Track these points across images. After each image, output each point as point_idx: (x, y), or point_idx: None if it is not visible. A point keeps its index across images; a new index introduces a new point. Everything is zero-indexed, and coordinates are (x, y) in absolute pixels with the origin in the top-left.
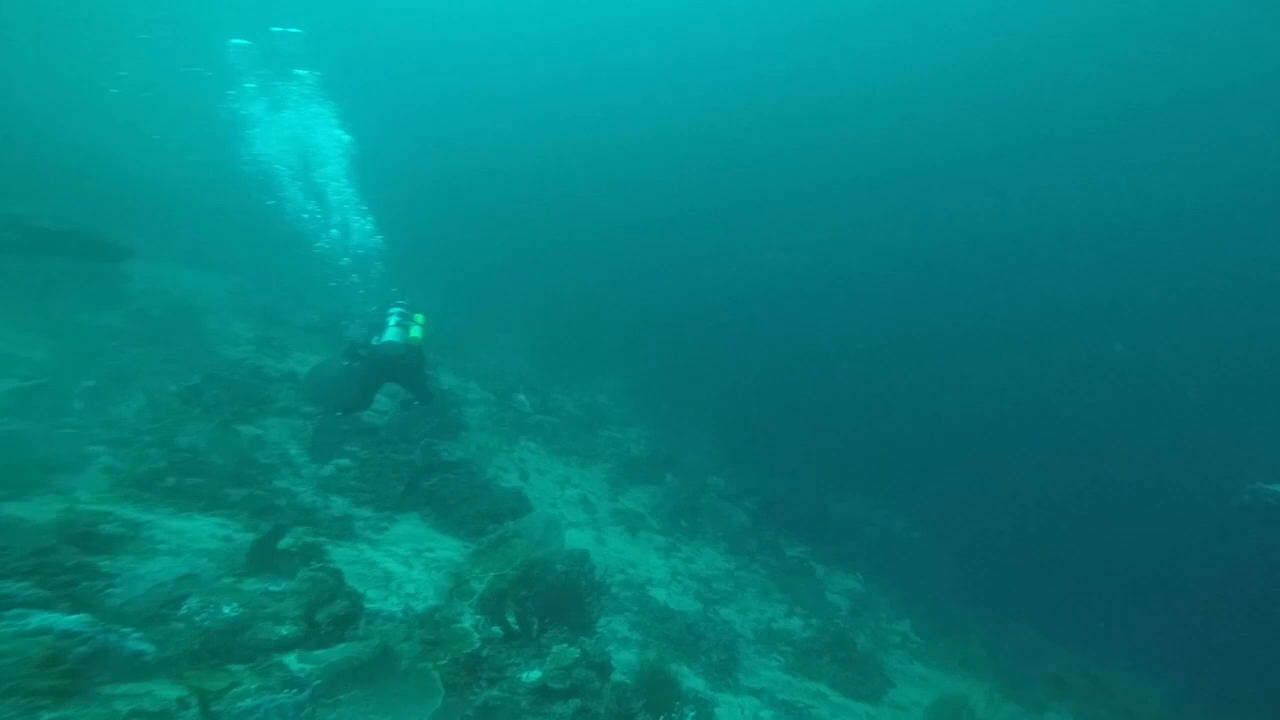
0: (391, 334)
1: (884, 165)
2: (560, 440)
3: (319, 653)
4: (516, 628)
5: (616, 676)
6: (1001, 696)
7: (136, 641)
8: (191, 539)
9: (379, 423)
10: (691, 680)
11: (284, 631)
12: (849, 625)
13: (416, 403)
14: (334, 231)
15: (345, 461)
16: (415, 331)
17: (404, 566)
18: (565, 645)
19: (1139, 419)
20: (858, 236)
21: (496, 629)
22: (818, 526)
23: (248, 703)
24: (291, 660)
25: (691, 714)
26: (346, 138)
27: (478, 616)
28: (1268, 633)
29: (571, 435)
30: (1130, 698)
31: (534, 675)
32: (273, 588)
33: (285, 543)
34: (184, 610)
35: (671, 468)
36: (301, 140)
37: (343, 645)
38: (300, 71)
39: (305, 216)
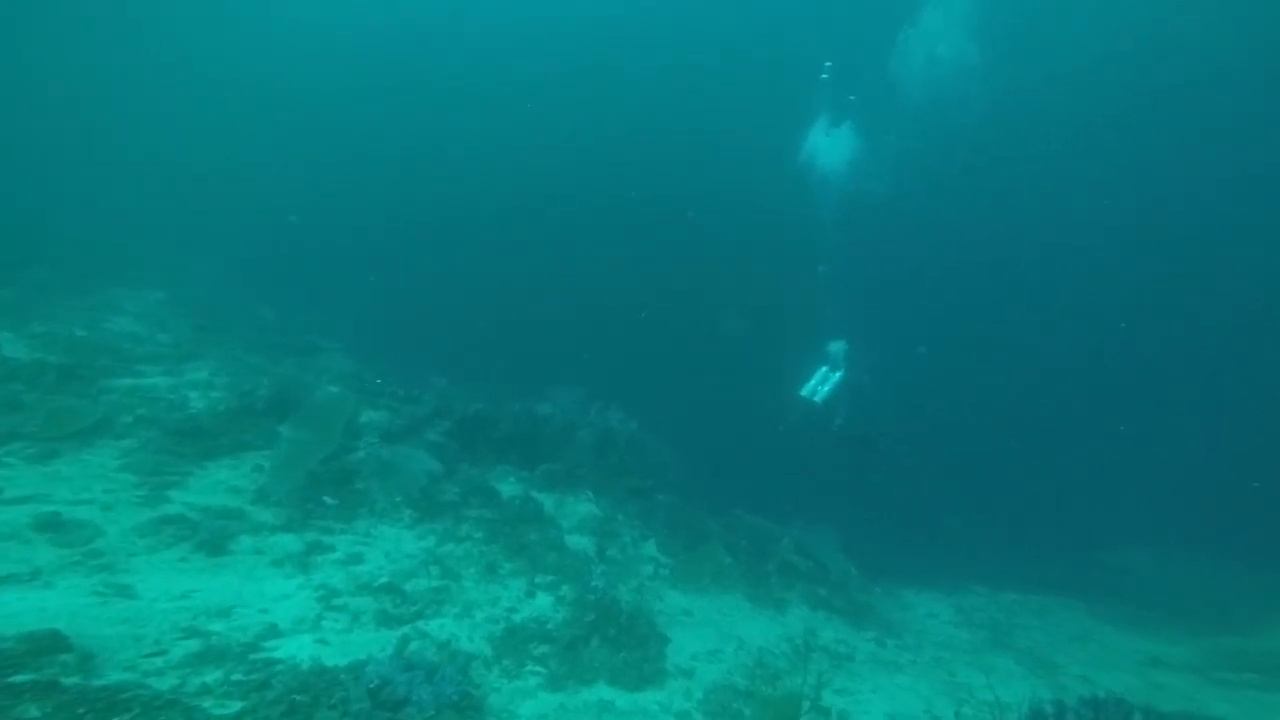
0: None
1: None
2: None
3: None
4: None
5: None
6: (788, 644)
7: None
8: None
9: None
10: None
11: None
12: (606, 580)
13: None
14: None
15: None
16: None
17: None
18: None
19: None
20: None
21: None
22: (530, 442)
23: None
24: None
25: None
26: None
27: None
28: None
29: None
30: (836, 570)
31: None
32: None
33: None
34: None
35: (288, 414)
36: None
37: None
38: None
39: None
